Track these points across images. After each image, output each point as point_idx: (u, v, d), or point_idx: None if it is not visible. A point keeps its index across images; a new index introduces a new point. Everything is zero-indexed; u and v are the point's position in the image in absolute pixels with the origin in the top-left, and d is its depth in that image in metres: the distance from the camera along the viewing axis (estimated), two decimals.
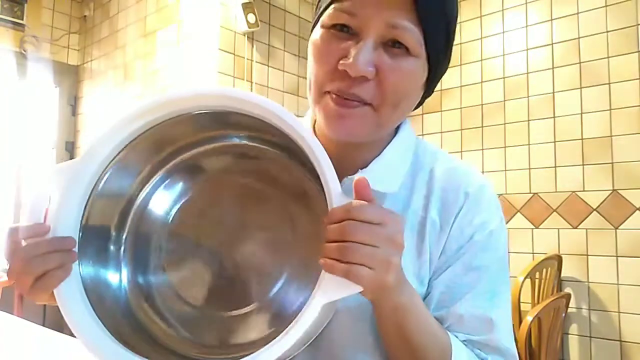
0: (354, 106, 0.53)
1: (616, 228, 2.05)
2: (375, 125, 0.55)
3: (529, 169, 2.29)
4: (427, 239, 0.59)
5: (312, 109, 0.58)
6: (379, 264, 0.44)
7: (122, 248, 0.58)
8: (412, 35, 0.52)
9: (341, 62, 0.52)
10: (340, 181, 0.48)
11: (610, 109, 2.10)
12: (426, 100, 0.63)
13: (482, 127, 2.45)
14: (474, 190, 0.60)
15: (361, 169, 0.58)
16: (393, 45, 0.53)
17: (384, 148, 0.61)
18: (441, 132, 2.56)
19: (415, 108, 0.61)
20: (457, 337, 0.58)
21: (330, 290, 0.43)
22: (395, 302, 0.51)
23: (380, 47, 0.53)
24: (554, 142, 2.23)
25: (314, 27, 0.58)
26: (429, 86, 0.59)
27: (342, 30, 0.54)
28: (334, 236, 0.44)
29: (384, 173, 0.59)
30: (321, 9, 0.56)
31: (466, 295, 0.58)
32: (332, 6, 0.54)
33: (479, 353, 0.58)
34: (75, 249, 0.51)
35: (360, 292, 0.44)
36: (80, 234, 0.52)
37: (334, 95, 0.54)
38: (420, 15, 0.51)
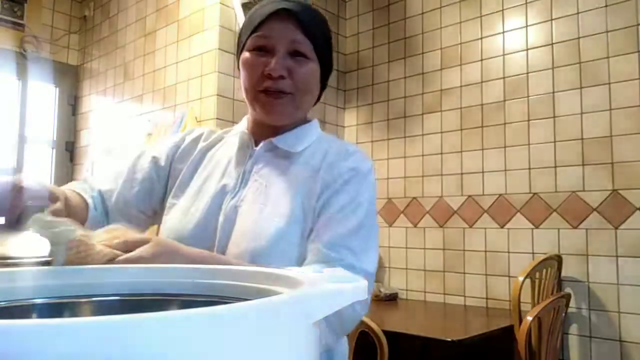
0: (280, 97, 0.85)
1: (616, 228, 2.05)
2: (295, 108, 0.88)
3: (529, 169, 2.29)
4: (319, 181, 0.85)
5: (250, 106, 0.90)
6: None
7: None
8: (306, 45, 0.85)
9: (266, 69, 0.83)
10: (259, 144, 0.90)
11: (610, 109, 2.10)
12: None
13: (482, 127, 2.44)
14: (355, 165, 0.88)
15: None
16: (296, 54, 0.85)
17: (294, 129, 0.92)
18: (441, 132, 2.55)
19: (317, 100, 0.94)
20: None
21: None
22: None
23: (288, 57, 0.84)
24: (554, 142, 2.23)
25: (240, 53, 0.89)
26: (323, 81, 0.93)
27: (261, 51, 0.85)
28: None
29: (291, 140, 0.90)
30: (244, 40, 0.88)
31: (336, 223, 0.80)
32: (252, 36, 0.86)
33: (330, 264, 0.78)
34: None
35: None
36: None
37: (266, 92, 0.85)
38: (308, 32, 0.85)
